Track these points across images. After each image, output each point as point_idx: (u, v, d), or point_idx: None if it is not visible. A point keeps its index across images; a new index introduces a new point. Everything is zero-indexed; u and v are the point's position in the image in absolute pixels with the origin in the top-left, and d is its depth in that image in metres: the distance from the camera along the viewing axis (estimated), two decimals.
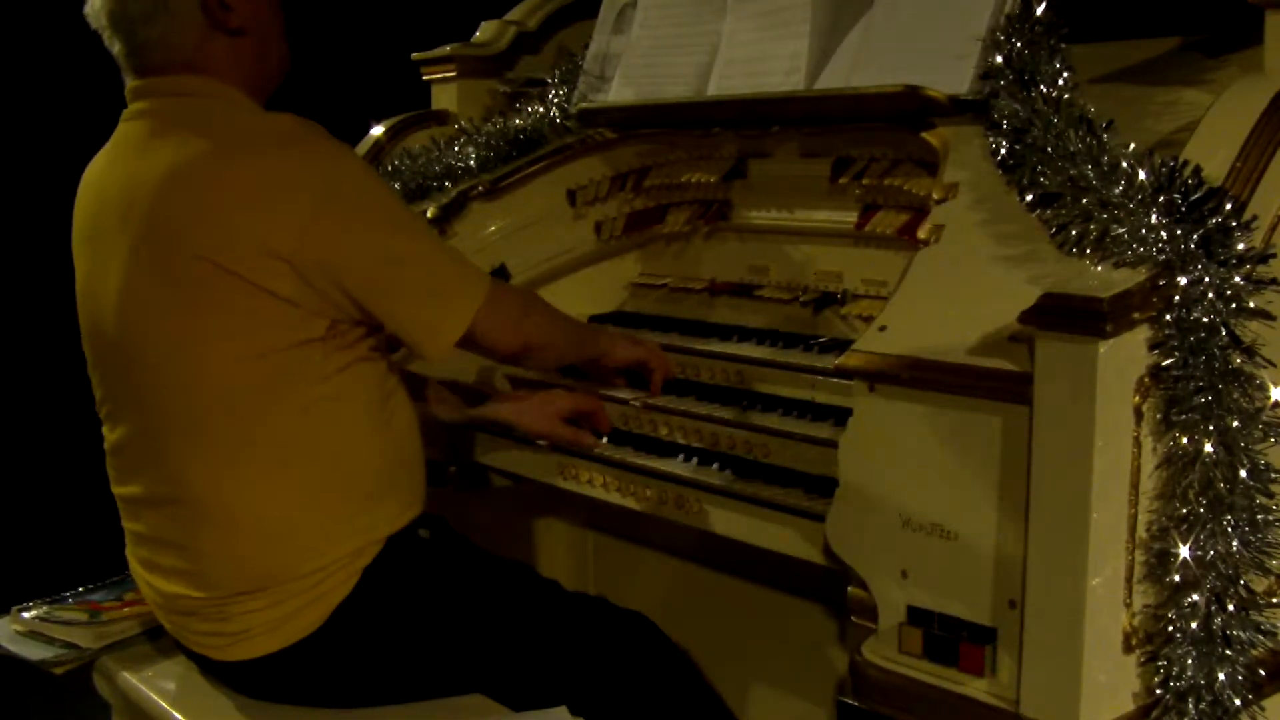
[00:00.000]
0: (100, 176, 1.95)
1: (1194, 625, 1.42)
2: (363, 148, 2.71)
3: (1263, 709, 1.47)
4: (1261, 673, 1.46)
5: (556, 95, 2.56)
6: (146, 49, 1.89)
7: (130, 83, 1.94)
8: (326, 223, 1.78)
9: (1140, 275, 1.44)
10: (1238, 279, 1.43)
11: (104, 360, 1.94)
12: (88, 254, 1.95)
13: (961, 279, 1.64)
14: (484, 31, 2.90)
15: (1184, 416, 1.41)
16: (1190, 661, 1.42)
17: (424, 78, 2.92)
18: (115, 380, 1.92)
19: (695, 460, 2.03)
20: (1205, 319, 1.41)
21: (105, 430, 1.98)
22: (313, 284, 1.79)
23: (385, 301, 1.84)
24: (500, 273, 2.49)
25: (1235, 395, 1.41)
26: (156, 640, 2.14)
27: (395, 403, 1.96)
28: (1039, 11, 1.80)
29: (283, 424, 1.83)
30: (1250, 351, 1.42)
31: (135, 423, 1.90)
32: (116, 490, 1.99)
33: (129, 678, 2.09)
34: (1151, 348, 1.42)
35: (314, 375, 1.84)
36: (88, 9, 1.91)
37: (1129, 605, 1.45)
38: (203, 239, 1.77)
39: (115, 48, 1.92)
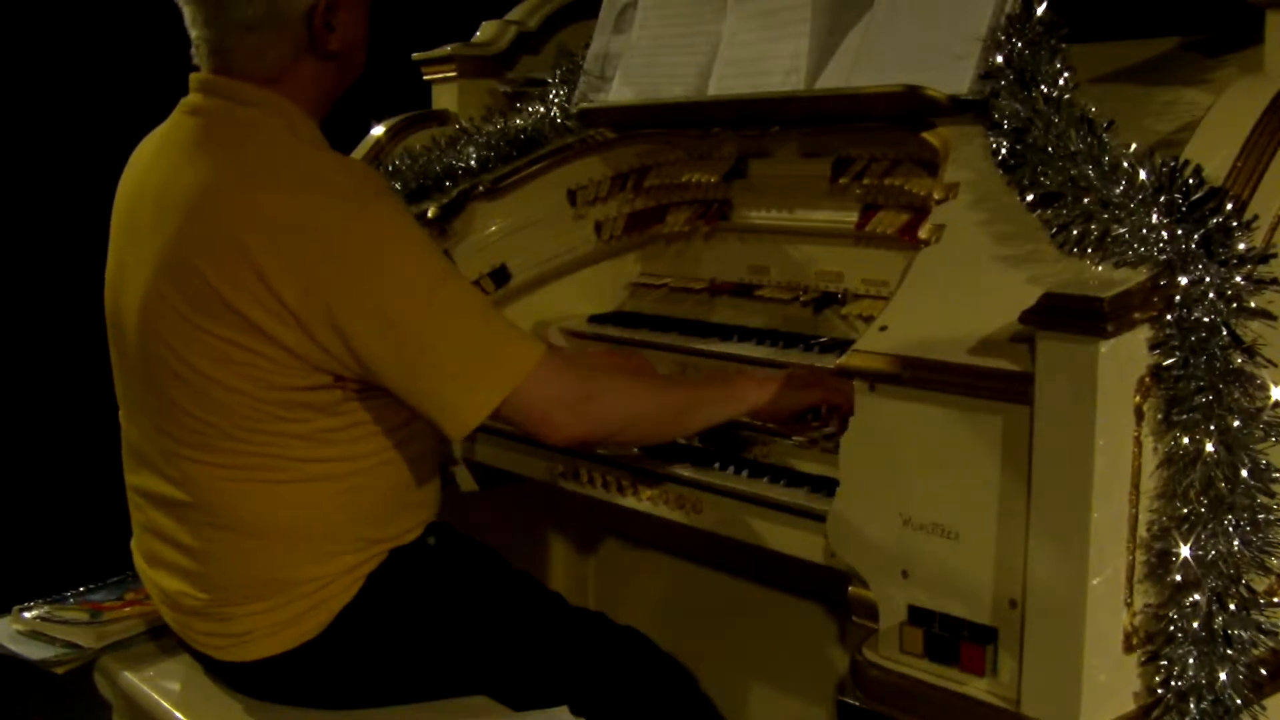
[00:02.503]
0: (145, 169, 1.92)
1: (1195, 625, 1.42)
2: (363, 148, 2.71)
3: (1264, 708, 1.47)
4: (1263, 672, 1.46)
5: (557, 95, 2.56)
6: (233, 52, 1.83)
7: (202, 74, 1.88)
8: (338, 282, 1.70)
9: (1141, 275, 1.44)
10: (1238, 279, 1.43)
11: (123, 354, 1.93)
12: (119, 246, 1.94)
13: (962, 279, 1.65)
14: (484, 31, 2.90)
15: (1185, 416, 1.41)
16: (1191, 661, 1.42)
17: (424, 78, 2.92)
18: (132, 376, 1.91)
19: (696, 459, 2.03)
20: (1206, 319, 1.41)
21: (121, 417, 1.98)
22: (317, 340, 1.73)
23: (397, 375, 1.75)
24: (501, 272, 2.49)
25: (1236, 395, 1.41)
26: (158, 640, 2.14)
27: (413, 425, 1.90)
28: (1039, 11, 1.80)
29: (294, 447, 1.81)
30: (1251, 351, 1.42)
31: (149, 421, 1.89)
32: (128, 478, 1.99)
33: (130, 677, 2.09)
34: (1152, 347, 1.42)
35: (323, 410, 1.81)
36: None
37: (1130, 605, 1.45)
38: (218, 273, 1.73)
39: (195, 32, 1.85)
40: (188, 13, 1.85)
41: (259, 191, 1.74)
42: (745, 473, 1.95)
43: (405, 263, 1.74)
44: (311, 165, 1.79)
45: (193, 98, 1.90)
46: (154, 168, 1.90)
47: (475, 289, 2.18)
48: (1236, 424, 1.41)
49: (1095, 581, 1.42)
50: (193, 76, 1.90)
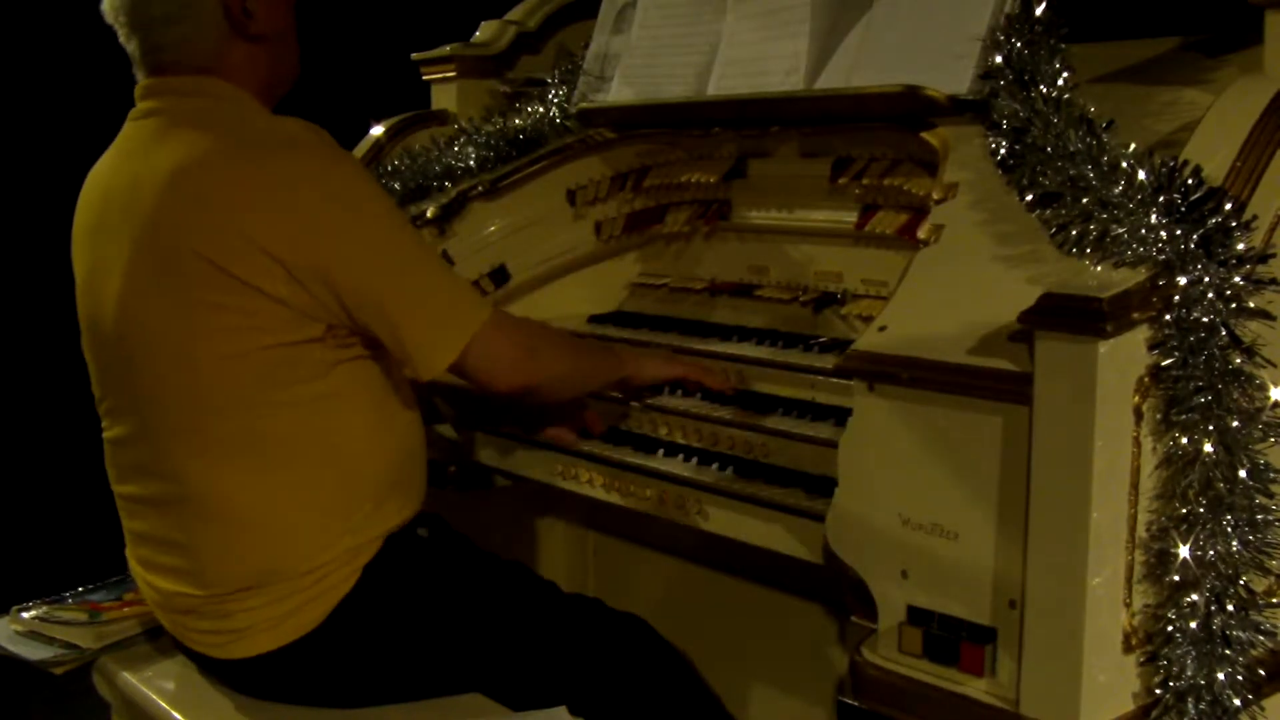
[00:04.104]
0: (105, 176, 1.96)
1: (1194, 625, 1.42)
2: (362, 148, 2.71)
3: (1262, 709, 1.47)
4: (1261, 673, 1.46)
5: (556, 95, 2.56)
6: (163, 49, 1.90)
7: (142, 81, 1.94)
8: (322, 228, 1.78)
9: (1140, 275, 1.44)
10: (1237, 279, 1.43)
11: (103, 357, 1.94)
12: (89, 251, 1.96)
13: (961, 279, 1.64)
14: (484, 31, 2.90)
15: (1184, 416, 1.41)
16: (1190, 661, 1.42)
17: (424, 78, 2.92)
18: (114, 377, 1.92)
19: (695, 460, 2.03)
20: (1205, 319, 1.41)
21: (105, 426, 1.99)
22: (307, 288, 1.78)
23: (377, 314, 1.82)
24: (500, 273, 2.49)
25: (1235, 395, 1.41)
26: (156, 640, 2.15)
27: (399, 400, 1.96)
28: (1039, 11, 1.79)
29: (282, 422, 1.83)
30: (1250, 351, 1.42)
31: (134, 420, 1.90)
32: (116, 489, 1.99)
33: (129, 678, 2.09)
34: (1151, 348, 1.42)
35: (312, 372, 1.84)
36: (105, 4, 1.92)
37: (1129, 605, 1.45)
38: (201, 236, 1.77)
39: (131, 45, 1.93)
40: (119, 29, 1.93)
41: (234, 157, 1.81)
42: (744, 473, 1.95)
43: (379, 214, 1.85)
44: (277, 129, 1.86)
45: (141, 105, 1.95)
46: (116, 172, 1.94)
47: (434, 250, 2.29)
48: (1235, 424, 1.41)
49: (1094, 582, 1.41)
50: (136, 88, 1.96)
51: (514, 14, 2.94)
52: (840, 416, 1.84)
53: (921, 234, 1.76)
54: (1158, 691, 1.45)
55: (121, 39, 1.94)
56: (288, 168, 1.80)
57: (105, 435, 1.99)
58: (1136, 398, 1.42)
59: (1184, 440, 1.42)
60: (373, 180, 1.95)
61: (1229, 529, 1.41)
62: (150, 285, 1.83)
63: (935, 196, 1.78)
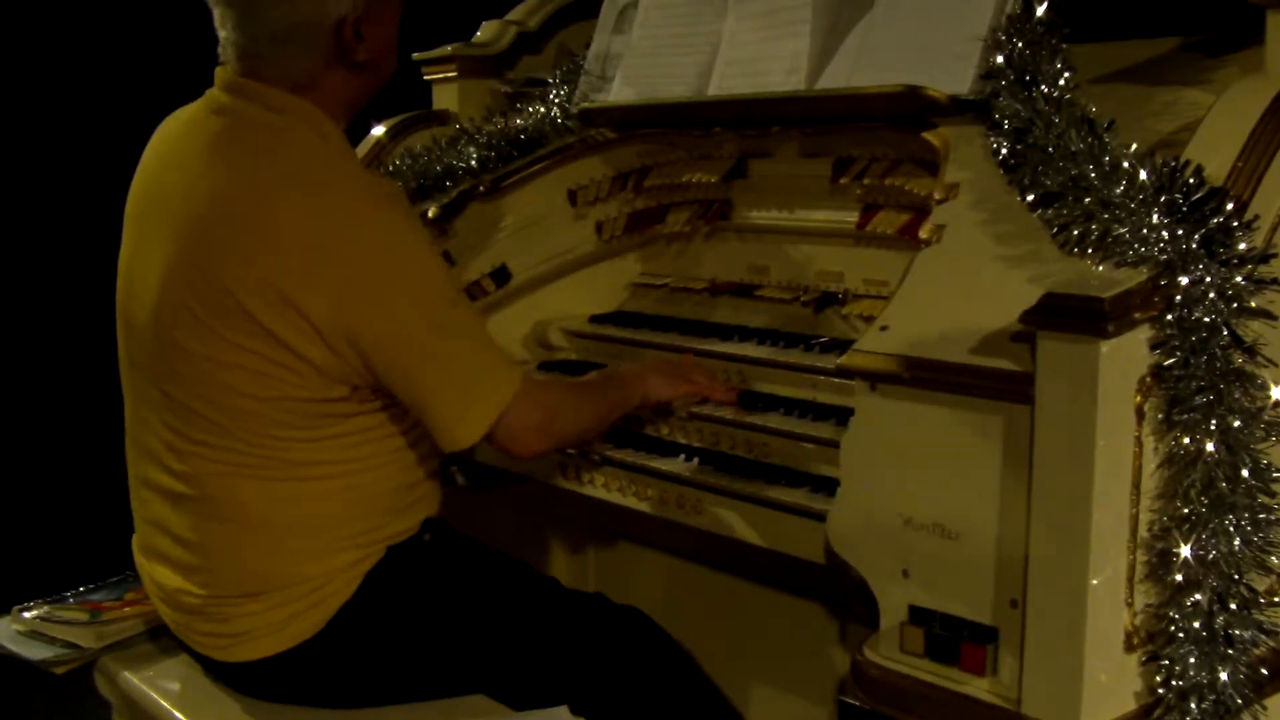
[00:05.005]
0: (165, 163, 1.93)
1: (1196, 624, 1.43)
2: (363, 148, 2.71)
3: (1264, 708, 1.47)
4: (1263, 672, 1.46)
5: (557, 95, 2.56)
6: (264, 59, 1.84)
7: (232, 75, 1.88)
8: (365, 295, 1.74)
9: (1142, 275, 1.44)
10: (1239, 279, 1.43)
11: (133, 349, 1.94)
12: (135, 234, 1.94)
13: (963, 279, 1.65)
14: (485, 31, 2.90)
15: (1185, 416, 1.41)
16: (1192, 661, 1.43)
17: (425, 78, 2.92)
18: (141, 370, 1.92)
19: (696, 460, 2.03)
20: (1207, 319, 1.41)
21: (127, 402, 1.98)
22: (336, 350, 1.76)
23: (404, 385, 1.80)
24: (501, 272, 2.49)
25: (1237, 395, 1.41)
26: (157, 640, 2.14)
27: (415, 434, 1.94)
28: (1040, 11, 1.80)
29: (300, 448, 1.83)
30: (1252, 351, 1.43)
31: (155, 413, 1.90)
32: (133, 471, 1.99)
33: (130, 677, 2.09)
34: (1153, 347, 1.42)
35: (329, 421, 1.84)
36: None
37: (1131, 604, 1.45)
38: (243, 282, 1.75)
39: (224, 32, 1.86)
40: (217, 14, 1.87)
41: (284, 203, 1.76)
42: (745, 473, 1.95)
43: (424, 284, 1.80)
44: (340, 178, 1.82)
45: (220, 96, 1.90)
46: (176, 164, 1.90)
47: (474, 311, 2.18)
48: (1237, 424, 1.41)
49: (1096, 581, 1.42)
50: (219, 73, 1.90)
51: (515, 14, 2.94)
52: (841, 416, 1.85)
53: (923, 234, 1.77)
54: (1159, 691, 1.45)
55: (215, 23, 1.87)
56: (338, 226, 1.74)
57: (127, 413, 1.98)
58: (1138, 397, 1.42)
59: (1186, 440, 1.42)
60: (429, 246, 1.88)
61: (1231, 528, 1.41)
62: (187, 305, 1.80)
63: (936, 196, 1.78)
